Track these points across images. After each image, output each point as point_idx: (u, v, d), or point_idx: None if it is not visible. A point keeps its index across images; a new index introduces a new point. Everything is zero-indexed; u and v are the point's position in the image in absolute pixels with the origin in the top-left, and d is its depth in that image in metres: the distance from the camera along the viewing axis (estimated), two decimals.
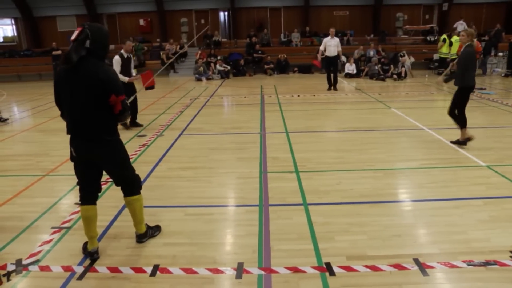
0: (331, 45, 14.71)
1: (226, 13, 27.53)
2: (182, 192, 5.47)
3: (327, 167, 6.47)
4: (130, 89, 9.06)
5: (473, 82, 7.40)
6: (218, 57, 21.70)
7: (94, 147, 3.68)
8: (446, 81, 8.26)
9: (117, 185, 4.04)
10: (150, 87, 9.56)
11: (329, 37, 14.92)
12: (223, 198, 5.37)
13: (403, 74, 18.90)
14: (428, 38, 25.47)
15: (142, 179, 5.66)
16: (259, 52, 22.54)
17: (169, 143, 8.01)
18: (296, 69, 22.44)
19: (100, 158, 3.78)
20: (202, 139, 8.41)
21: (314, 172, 6.25)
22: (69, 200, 5.41)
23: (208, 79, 19.86)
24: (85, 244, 3.99)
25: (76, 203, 5.12)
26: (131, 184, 4.02)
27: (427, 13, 28.31)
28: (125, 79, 8.93)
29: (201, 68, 19.98)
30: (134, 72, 9.53)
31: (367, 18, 27.50)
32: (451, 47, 19.75)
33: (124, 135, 8.31)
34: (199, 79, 19.69)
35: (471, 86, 7.43)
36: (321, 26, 26.92)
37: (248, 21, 27.15)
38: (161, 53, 23.02)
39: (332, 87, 15.20)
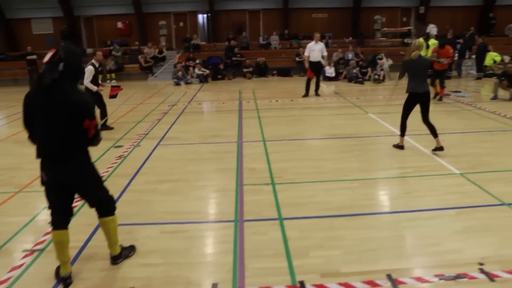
0: (315, 50, 14.57)
1: (205, 15, 27.45)
2: (159, 207, 5.46)
3: (304, 178, 6.52)
4: (97, 97, 9.54)
5: (412, 89, 7.71)
6: (197, 61, 21.64)
7: (68, 171, 3.64)
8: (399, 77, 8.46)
9: (91, 206, 3.99)
10: (113, 96, 10.12)
11: (313, 42, 14.75)
12: (199, 213, 5.36)
13: (381, 77, 19.10)
14: (405, 40, 25.74)
15: (119, 193, 5.71)
16: (238, 55, 22.55)
17: (146, 154, 7.96)
18: (275, 72, 22.51)
19: (73, 182, 3.74)
20: (180, 149, 8.38)
21: (290, 184, 6.30)
22: (43, 219, 5.28)
23: (187, 83, 19.79)
24: (58, 268, 3.89)
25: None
26: (106, 205, 3.98)
27: (404, 16, 28.67)
28: (94, 88, 9.56)
29: (180, 73, 19.93)
30: (100, 82, 10.13)
31: (346, 21, 27.75)
32: (428, 49, 19.99)
33: (101, 145, 8.23)
34: (178, 84, 19.62)
35: (411, 93, 7.76)
36: (300, 29, 27.08)
37: (227, 24, 27.15)
38: (139, 57, 22.86)
39: (314, 92, 15.12)
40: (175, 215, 5.24)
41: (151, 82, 21.64)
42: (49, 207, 3.82)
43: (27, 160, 7.70)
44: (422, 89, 7.61)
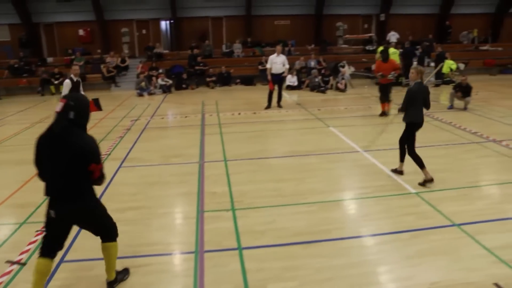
0: (277, 63, 14.61)
1: (168, 22, 27.35)
2: (121, 239, 5.40)
3: (263, 202, 6.67)
4: None
5: (417, 119, 7.25)
6: (160, 70, 21.55)
7: (76, 211, 4.01)
8: (398, 111, 7.62)
9: (96, 235, 4.34)
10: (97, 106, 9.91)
11: (275, 54, 14.76)
12: (160, 245, 5.42)
13: (343, 86, 19.45)
14: (367, 47, 26.29)
15: None
16: (201, 64, 22.52)
17: (108, 178, 7.85)
18: (238, 80, 22.61)
19: (81, 221, 4.21)
20: (142, 172, 8.36)
21: (250, 209, 6.44)
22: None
23: (150, 94, 19.68)
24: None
25: (7, 261, 5.06)
26: (109, 232, 4.36)
27: (366, 23, 29.29)
28: None
29: (143, 83, 19.80)
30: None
31: (308, 28, 28.17)
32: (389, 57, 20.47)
33: None
34: (141, 95, 19.47)
35: (415, 123, 7.26)
36: (263, 36, 27.38)
37: (190, 31, 27.13)
38: (101, 66, 22.58)
39: (277, 104, 15.19)
40: (136, 248, 5.30)
41: (114, 92, 21.38)
42: (44, 237, 4.10)
43: None
44: (421, 118, 7.33)
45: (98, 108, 10.13)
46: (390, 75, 12.25)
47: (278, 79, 14.91)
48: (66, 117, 3.81)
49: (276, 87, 14.96)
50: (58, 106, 3.87)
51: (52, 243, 4.09)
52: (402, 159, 7.68)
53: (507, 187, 7.24)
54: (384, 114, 12.85)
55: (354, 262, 4.93)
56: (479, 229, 5.69)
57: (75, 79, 10.47)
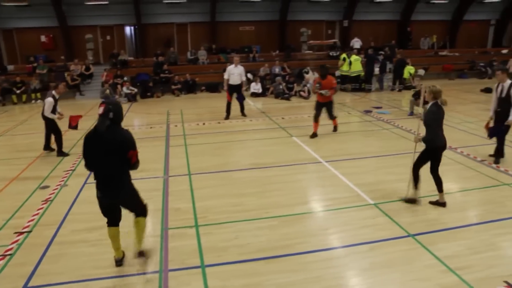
0: (234, 74, 14.61)
1: (132, 28, 27.23)
2: (87, 261, 5.58)
3: (226, 218, 6.86)
4: (54, 125, 10.68)
5: (442, 141, 6.84)
6: (125, 78, 21.43)
7: (117, 193, 5.13)
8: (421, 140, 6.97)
9: (131, 212, 5.42)
10: (75, 127, 11.00)
11: (233, 65, 14.76)
12: (126, 266, 5.51)
13: (306, 94, 19.77)
14: (331, 53, 26.78)
15: (44, 248, 5.80)
16: (166, 72, 22.51)
17: (73, 196, 7.93)
18: (203, 88, 22.70)
19: (121, 202, 5.27)
20: None
21: (213, 226, 6.62)
22: None
23: None
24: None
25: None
26: (142, 210, 5.46)
27: (329, 29, 29.86)
28: (54, 117, 10.52)
29: (108, 91, 19.67)
30: (59, 110, 10.81)
31: (273, 34, 28.55)
32: (351, 65, 21.05)
33: (27, 187, 8.31)
34: None
35: (441, 146, 6.86)
36: (227, 42, 27.59)
37: (155, 37, 27.11)
38: (65, 74, 22.29)
39: (241, 113, 15.30)
40: (102, 270, 5.40)
41: (79, 101, 21.10)
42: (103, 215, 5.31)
43: None
44: (445, 140, 6.91)
45: (76, 121, 10.40)
46: (323, 92, 11.66)
47: (236, 90, 14.91)
48: (108, 117, 4.83)
49: (235, 97, 15.02)
50: (99, 109, 4.85)
51: (109, 217, 5.31)
52: (416, 186, 7.21)
53: (459, 196, 7.67)
54: (315, 135, 11.98)
55: (313, 276, 5.17)
56: (432, 239, 6.03)
57: (57, 96, 10.73)
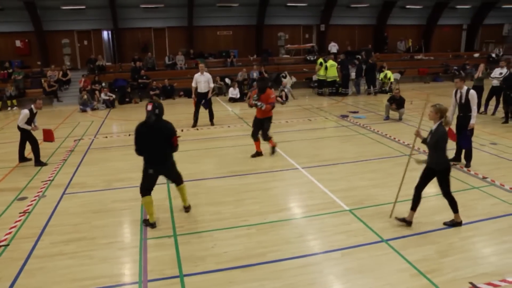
0: (201, 81, 14.61)
1: (109, 32, 27.13)
2: (65, 275, 5.62)
3: (204, 227, 6.99)
4: (29, 135, 10.73)
5: (448, 164, 6.69)
6: (103, 84, 21.38)
7: (165, 169, 7.12)
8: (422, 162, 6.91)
9: (172, 182, 7.47)
10: (50, 141, 11.32)
11: (199, 73, 14.73)
12: (104, 278, 5.56)
13: (284, 98, 19.94)
14: (308, 57, 27.08)
15: (22, 262, 5.84)
16: (144, 77, 22.50)
17: (52, 207, 7.91)
18: (181, 93, 22.74)
19: (167, 173, 7.23)
20: (85, 199, 8.41)
21: (191, 235, 6.74)
22: None
23: (93, 109, 19.51)
24: (145, 220, 7.09)
25: None
26: (180, 179, 7.41)
27: (306, 33, 30.17)
28: (28, 127, 10.63)
29: (85, 96, 19.60)
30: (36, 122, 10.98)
31: (250, 38, 28.77)
32: (327, 70, 21.34)
33: (3, 198, 8.34)
34: (84, 110, 19.26)
35: (448, 168, 6.64)
36: (205, 47, 27.71)
37: (132, 42, 27.07)
38: (42, 80, 22.10)
39: (210, 122, 15.34)
40: (81, 282, 5.45)
41: (56, 108, 20.92)
42: (143, 186, 6.96)
43: None
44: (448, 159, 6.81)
45: (51, 136, 10.46)
46: (259, 104, 10.54)
47: (204, 97, 14.93)
48: (154, 113, 6.61)
49: (203, 106, 15.06)
50: (148, 107, 6.63)
51: (148, 187, 6.90)
52: (414, 208, 6.90)
53: (430, 200, 7.85)
54: (258, 154, 11.12)
55: (287, 284, 5.32)
56: (404, 244, 6.25)
57: (34, 111, 10.78)
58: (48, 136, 11.26)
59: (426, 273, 5.45)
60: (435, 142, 6.46)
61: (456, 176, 9.11)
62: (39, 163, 10.73)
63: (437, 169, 6.54)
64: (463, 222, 6.86)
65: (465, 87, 9.57)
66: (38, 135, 10.95)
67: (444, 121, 6.48)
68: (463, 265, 5.62)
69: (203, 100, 14.94)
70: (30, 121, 10.58)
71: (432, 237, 6.48)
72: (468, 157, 9.82)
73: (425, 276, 5.37)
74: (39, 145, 10.82)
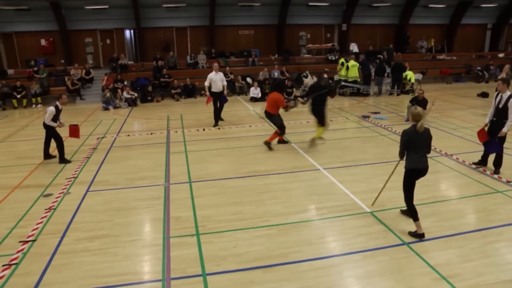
0: (217, 80, 14.78)
1: (132, 32, 27.38)
2: (90, 270, 5.74)
3: (226, 226, 7.04)
4: (54, 133, 10.77)
5: (414, 165, 6.59)
6: (125, 82, 21.61)
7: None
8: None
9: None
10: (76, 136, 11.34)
11: (213, 72, 14.89)
12: (129, 275, 5.67)
13: (303, 100, 19.81)
14: (329, 57, 26.98)
15: (49, 257, 5.96)
16: (166, 76, 22.68)
17: (76, 204, 8.08)
18: (203, 92, 22.68)
19: None
20: (108, 197, 8.52)
21: (213, 234, 6.80)
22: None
23: (115, 107, 19.73)
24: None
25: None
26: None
27: (328, 32, 30.07)
28: (54, 124, 10.63)
29: (108, 95, 19.84)
30: (61, 119, 11.05)
31: (272, 37, 28.75)
32: (348, 70, 21.25)
33: (30, 195, 8.49)
34: (106, 109, 19.51)
35: (411, 169, 6.60)
36: (226, 46, 27.78)
37: (154, 41, 27.29)
38: (65, 78, 22.43)
39: (220, 117, 15.56)
40: (105, 279, 5.56)
41: (79, 105, 21.25)
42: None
43: None
44: (423, 164, 6.64)
45: (77, 132, 10.64)
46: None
47: (220, 95, 15.09)
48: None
49: (223, 101, 15.30)
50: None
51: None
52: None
53: (453, 203, 7.85)
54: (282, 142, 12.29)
55: (307, 286, 5.33)
56: (426, 247, 6.21)
57: (60, 107, 10.86)
58: (74, 132, 11.36)
59: (448, 277, 5.41)
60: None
61: (480, 179, 9.04)
62: (63, 160, 10.87)
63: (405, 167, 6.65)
64: (486, 227, 6.81)
65: (508, 92, 8.97)
66: (63, 132, 11.10)
67: (417, 125, 6.44)
68: (486, 271, 5.56)
69: (220, 99, 15.13)
70: (56, 118, 10.72)
71: (454, 241, 6.42)
72: (497, 164, 9.46)
73: (447, 281, 5.33)
74: (63, 143, 11.01)
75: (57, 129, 10.83)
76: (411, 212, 6.69)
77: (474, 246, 6.23)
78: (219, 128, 14.69)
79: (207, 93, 15.09)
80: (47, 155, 11.07)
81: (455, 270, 5.59)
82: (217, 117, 15.33)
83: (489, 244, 6.29)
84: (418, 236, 6.54)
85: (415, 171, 6.62)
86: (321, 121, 11.61)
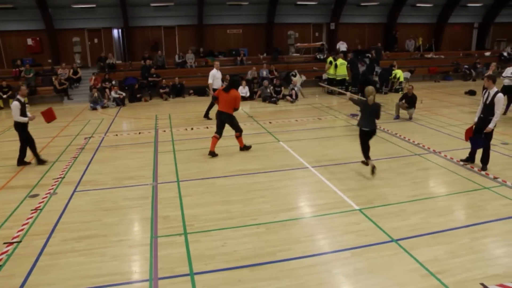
0: (218, 78, 15.26)
1: (119, 31, 27.21)
2: (77, 271, 5.67)
3: (214, 225, 7.00)
4: (26, 132, 10.42)
5: (364, 126, 9.18)
6: (113, 82, 21.46)
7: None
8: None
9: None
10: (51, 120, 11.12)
11: (215, 70, 15.28)
12: (116, 275, 5.60)
13: (294, 97, 19.91)
14: (318, 56, 27.01)
15: (35, 258, 5.89)
16: (154, 75, 22.56)
17: (63, 204, 7.98)
18: (191, 91, 22.76)
19: None
20: (96, 197, 8.44)
21: (201, 233, 6.75)
22: None
23: (103, 107, 19.56)
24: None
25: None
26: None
27: (316, 31, 30.10)
28: (25, 119, 10.26)
29: (96, 94, 19.68)
30: (29, 113, 10.61)
31: (260, 36, 28.74)
32: (336, 69, 21.28)
33: (15, 195, 8.39)
34: (94, 108, 19.34)
35: (362, 129, 9.23)
36: (215, 45, 27.73)
37: (142, 40, 27.15)
38: (53, 78, 22.21)
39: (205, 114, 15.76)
40: (92, 279, 5.49)
41: (67, 105, 21.03)
42: None
43: None
44: (370, 127, 9.12)
45: (51, 116, 10.46)
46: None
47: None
48: None
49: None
50: None
51: None
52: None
53: (441, 200, 7.89)
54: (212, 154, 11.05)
55: (296, 283, 5.32)
56: (414, 244, 6.23)
57: (22, 99, 10.41)
58: (49, 115, 11.12)
59: (436, 273, 5.43)
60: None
61: (467, 176, 9.10)
62: (40, 161, 10.65)
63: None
64: (474, 223, 6.89)
65: (495, 89, 9.15)
66: (38, 122, 11.05)
67: (368, 99, 9.05)
68: (474, 266, 5.60)
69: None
70: (23, 112, 10.33)
71: (443, 237, 6.45)
72: (485, 160, 9.54)
73: (435, 277, 5.36)
74: (35, 144, 10.67)
75: (29, 127, 10.53)
76: (364, 156, 9.36)
77: (462, 242, 6.27)
78: (207, 127, 14.61)
79: (211, 91, 15.30)
80: (22, 161, 10.60)
81: (444, 266, 5.61)
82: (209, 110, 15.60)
83: (476, 240, 6.33)
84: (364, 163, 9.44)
85: (364, 131, 9.14)
86: None
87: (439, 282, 5.25)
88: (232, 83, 11.05)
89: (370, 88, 9.06)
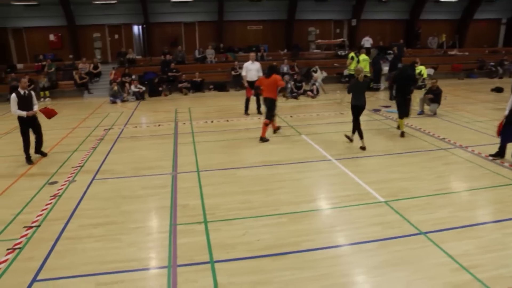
0: (252, 70, 14.87)
1: (140, 27, 27.25)
2: (94, 257, 5.56)
3: (235, 215, 6.82)
4: (32, 121, 10.10)
5: (355, 102, 10.60)
6: (133, 76, 21.45)
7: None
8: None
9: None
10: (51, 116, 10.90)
11: (250, 61, 15.04)
12: (133, 261, 5.49)
13: (315, 92, 19.68)
14: (339, 52, 26.68)
15: (53, 242, 5.79)
16: (174, 70, 22.49)
17: (81, 192, 7.93)
18: (211, 86, 22.65)
19: None
20: (114, 185, 8.38)
21: (222, 222, 6.59)
22: None
23: (123, 101, 19.56)
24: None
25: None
26: None
27: (337, 28, 29.76)
28: (23, 113, 9.77)
29: (115, 88, 19.69)
30: (36, 107, 10.25)
31: (280, 33, 28.48)
32: (358, 64, 20.89)
33: (35, 183, 8.33)
34: (114, 102, 19.35)
35: (353, 105, 10.66)
36: (235, 41, 27.58)
37: (162, 36, 27.11)
38: (73, 72, 22.35)
39: (257, 110, 15.49)
40: (109, 265, 5.38)
41: (87, 99, 21.11)
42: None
43: None
44: (360, 103, 10.46)
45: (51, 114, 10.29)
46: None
47: (254, 86, 14.88)
48: None
49: (255, 91, 14.99)
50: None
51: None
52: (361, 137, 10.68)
53: (470, 194, 7.58)
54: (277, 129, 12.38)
55: (320, 274, 5.11)
56: (443, 237, 5.95)
57: (22, 92, 9.80)
58: (49, 113, 10.98)
59: (468, 268, 5.15)
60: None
61: (496, 170, 8.77)
62: (29, 160, 10.02)
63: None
64: (505, 218, 6.57)
65: None
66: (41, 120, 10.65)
67: (358, 77, 10.40)
68: (509, 262, 5.30)
69: (254, 90, 14.80)
70: (23, 105, 9.77)
71: (472, 231, 6.17)
72: None
73: (468, 271, 5.08)
74: (29, 143, 10.13)
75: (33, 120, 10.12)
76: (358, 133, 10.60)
77: (493, 237, 5.96)
78: (227, 120, 14.47)
79: (245, 82, 15.17)
80: (29, 159, 10.07)
81: (475, 261, 5.32)
82: (248, 106, 15.47)
83: (509, 236, 6.01)
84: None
85: (355, 106, 10.50)
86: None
87: (472, 276, 4.97)
88: (270, 69, 11.65)
89: (359, 67, 10.79)
